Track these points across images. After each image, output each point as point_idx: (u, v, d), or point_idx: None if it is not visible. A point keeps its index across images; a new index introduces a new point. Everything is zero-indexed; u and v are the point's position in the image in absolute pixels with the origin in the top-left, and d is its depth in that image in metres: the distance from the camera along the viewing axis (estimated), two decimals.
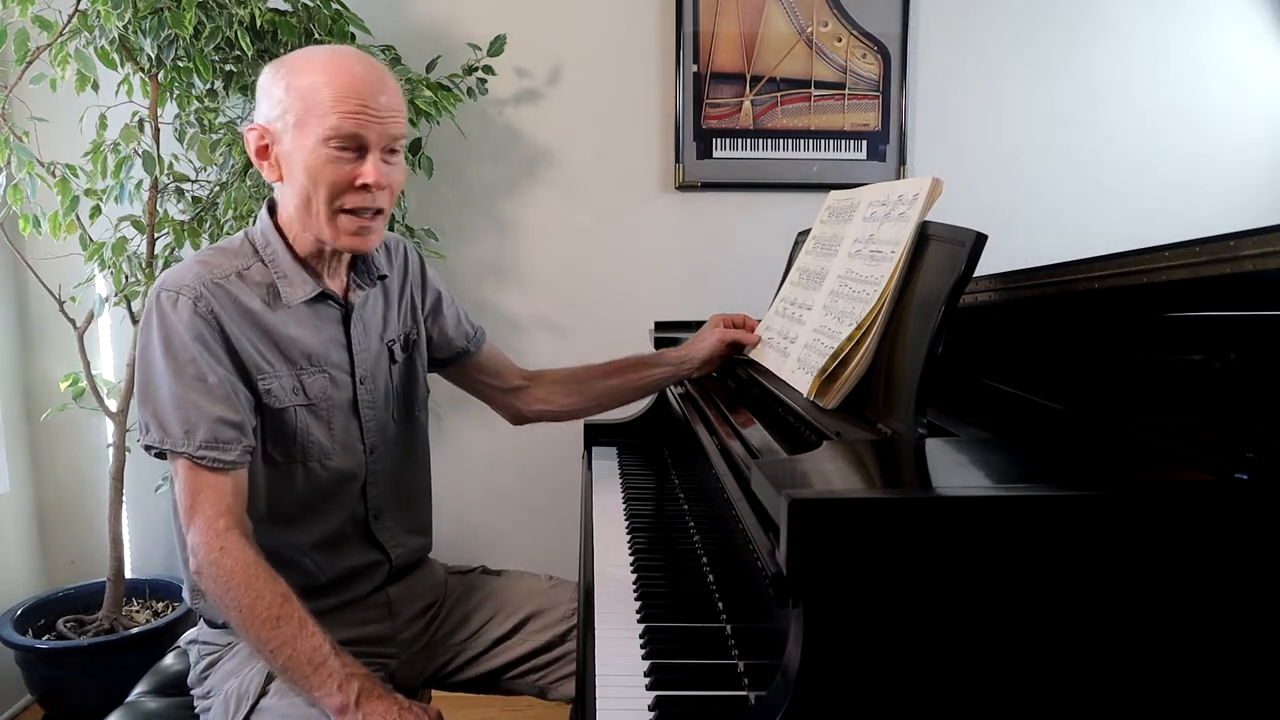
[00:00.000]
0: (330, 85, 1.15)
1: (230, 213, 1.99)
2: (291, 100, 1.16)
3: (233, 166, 2.04)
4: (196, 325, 1.15)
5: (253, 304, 1.20)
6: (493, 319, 2.45)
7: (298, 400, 1.23)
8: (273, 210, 1.27)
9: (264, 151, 1.20)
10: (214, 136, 2.05)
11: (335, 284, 1.28)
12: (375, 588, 1.33)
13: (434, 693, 1.52)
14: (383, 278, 1.34)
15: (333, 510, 1.28)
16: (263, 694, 1.17)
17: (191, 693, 1.30)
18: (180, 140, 2.07)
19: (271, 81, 1.19)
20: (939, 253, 1.07)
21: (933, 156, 2.49)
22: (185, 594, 1.30)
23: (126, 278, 2.06)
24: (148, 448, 1.17)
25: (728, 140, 2.45)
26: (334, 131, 1.14)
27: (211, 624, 1.28)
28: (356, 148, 1.16)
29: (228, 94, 2.07)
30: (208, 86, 2.04)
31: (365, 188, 1.17)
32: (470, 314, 1.54)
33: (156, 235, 2.09)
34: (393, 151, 1.20)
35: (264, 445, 1.22)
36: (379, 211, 1.21)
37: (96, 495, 2.42)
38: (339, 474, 1.28)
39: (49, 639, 2.14)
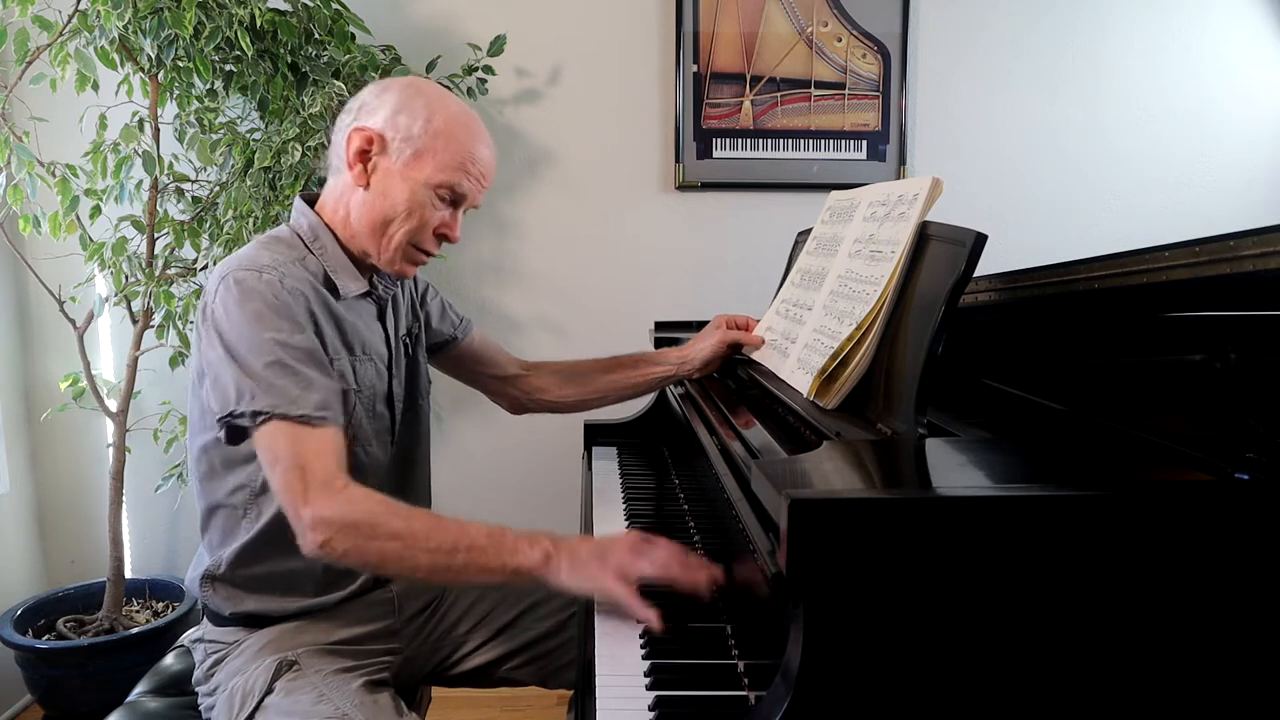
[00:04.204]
0: (463, 141, 1.23)
1: (230, 213, 1.99)
2: (420, 131, 1.21)
3: (233, 166, 2.04)
4: (286, 299, 1.15)
5: (320, 289, 1.23)
6: (493, 319, 2.45)
7: (354, 387, 1.26)
8: (310, 203, 1.29)
9: (364, 156, 1.23)
10: (214, 136, 2.05)
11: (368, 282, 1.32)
12: (375, 581, 1.33)
13: (435, 690, 1.52)
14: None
15: None
16: (268, 691, 1.18)
17: (196, 690, 1.31)
18: (180, 140, 2.08)
19: (403, 102, 1.22)
20: (939, 253, 1.07)
21: (933, 156, 2.49)
22: (193, 584, 1.28)
23: (126, 278, 2.06)
24: (253, 414, 1.10)
25: (728, 140, 2.45)
26: (448, 183, 1.22)
27: (217, 621, 1.28)
28: (452, 201, 1.25)
29: (228, 94, 2.07)
30: (208, 86, 2.04)
31: (444, 238, 1.27)
32: (470, 313, 1.58)
33: (156, 235, 2.09)
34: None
35: None
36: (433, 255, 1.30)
37: (96, 495, 2.42)
38: (373, 462, 1.30)
39: (49, 639, 2.14)
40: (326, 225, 1.27)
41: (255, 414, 1.10)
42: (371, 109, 1.23)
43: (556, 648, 1.42)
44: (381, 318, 1.33)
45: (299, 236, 1.26)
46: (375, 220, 1.23)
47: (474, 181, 1.25)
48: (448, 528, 1.09)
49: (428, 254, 1.27)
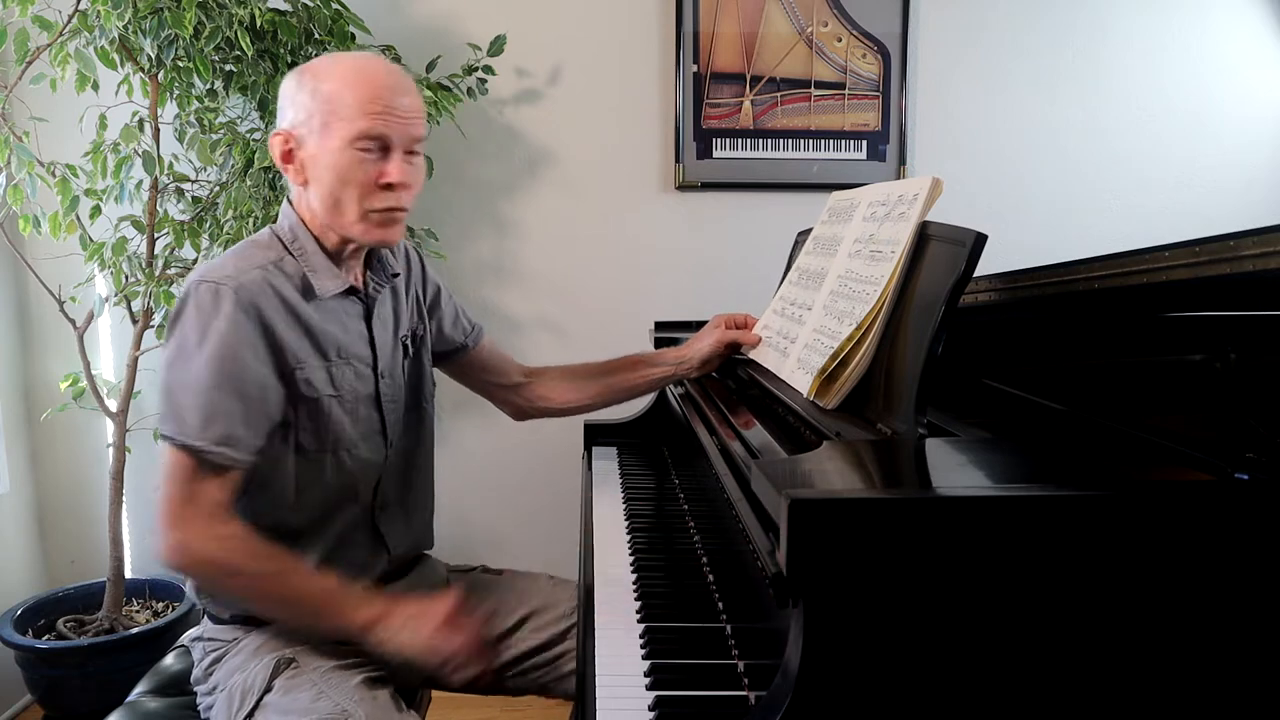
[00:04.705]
0: (355, 89, 1.19)
1: (230, 213, 1.99)
2: (317, 105, 1.19)
3: (233, 166, 2.04)
4: (237, 319, 1.15)
5: (290, 295, 1.22)
6: (493, 319, 2.45)
7: (329, 391, 1.25)
8: (291, 205, 1.29)
9: (289, 156, 1.23)
10: (214, 136, 2.05)
11: (355, 280, 1.30)
12: (374, 583, 1.33)
13: (435, 692, 1.52)
14: (395, 275, 1.37)
15: (352, 501, 1.30)
16: (267, 689, 1.18)
17: (196, 689, 1.31)
18: (180, 140, 2.08)
19: (296, 88, 1.22)
20: (939, 253, 1.07)
21: (933, 156, 2.49)
22: (189, 589, 1.30)
23: (126, 278, 2.06)
24: (162, 435, 1.15)
25: (728, 140, 2.45)
26: (360, 133, 1.18)
27: (216, 620, 1.29)
28: (381, 149, 1.20)
29: (228, 94, 2.07)
30: (208, 86, 2.04)
31: (390, 187, 1.21)
32: (470, 313, 1.56)
33: (156, 235, 2.09)
34: (412, 152, 1.24)
35: (297, 435, 1.23)
36: (404, 209, 1.25)
37: (96, 495, 2.42)
38: (363, 464, 1.29)
39: (49, 639, 2.14)
40: (304, 224, 1.27)
41: (163, 436, 1.15)
42: (282, 109, 1.24)
43: (554, 659, 1.40)
44: (367, 318, 1.31)
45: (279, 238, 1.26)
46: (327, 206, 1.23)
47: (385, 119, 1.19)
48: (291, 581, 1.17)
49: (389, 210, 1.23)
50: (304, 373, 1.22)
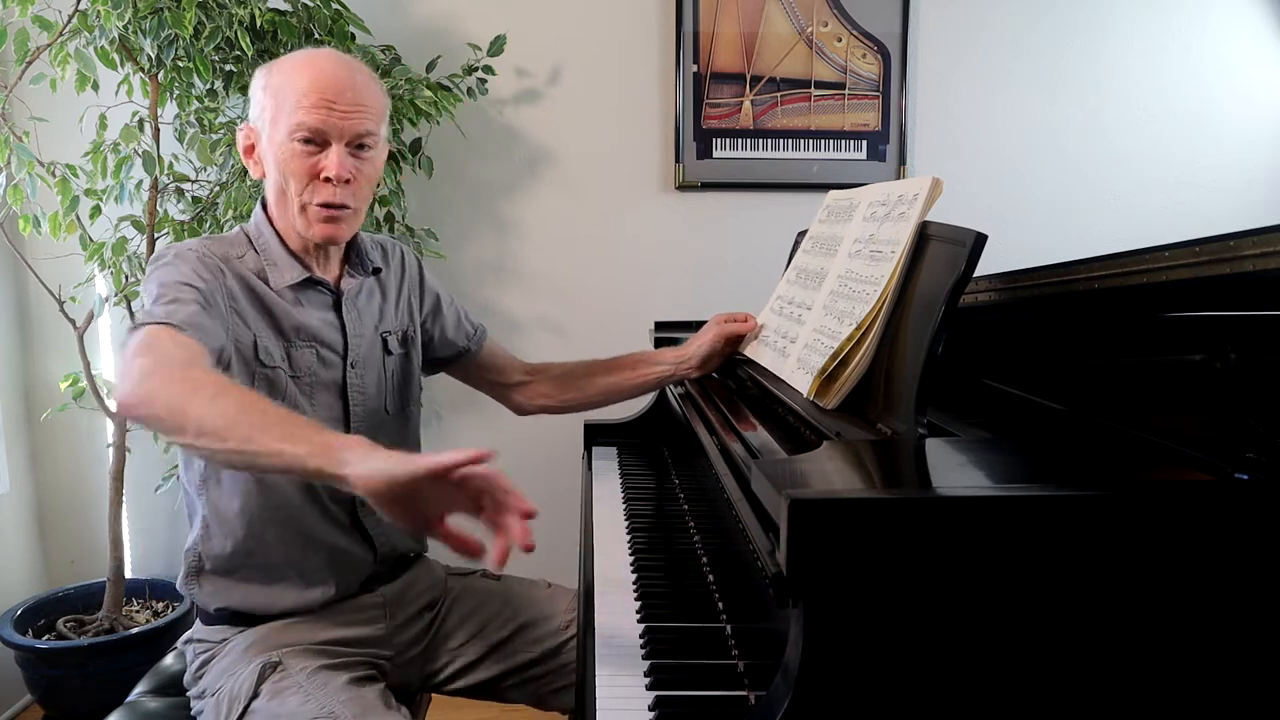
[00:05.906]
0: (297, 82, 1.20)
1: (230, 213, 1.99)
2: (267, 99, 1.23)
3: (232, 166, 2.04)
4: (200, 268, 1.18)
5: (249, 278, 1.24)
6: (493, 319, 2.45)
7: (285, 369, 1.25)
8: (264, 205, 1.31)
9: (250, 150, 1.27)
10: (214, 136, 2.05)
11: (327, 273, 1.31)
12: (365, 582, 1.32)
13: (434, 695, 1.52)
14: (377, 271, 1.37)
15: (318, 490, 1.27)
16: (254, 695, 1.17)
17: (188, 694, 1.30)
18: (180, 140, 2.08)
19: (256, 83, 1.26)
20: (939, 252, 1.07)
21: (933, 156, 2.49)
22: (179, 583, 1.29)
23: (126, 278, 2.06)
24: (133, 329, 1.11)
25: (728, 140, 2.45)
26: (298, 126, 1.20)
27: (206, 620, 1.29)
28: (321, 142, 1.21)
29: (228, 94, 2.07)
30: (208, 86, 2.04)
31: (328, 180, 1.22)
32: (472, 316, 1.56)
33: (156, 235, 2.09)
34: (362, 147, 1.24)
35: None
36: (348, 206, 1.25)
37: (96, 495, 2.42)
38: None
39: (49, 639, 2.14)
40: (270, 221, 1.29)
41: (134, 327, 1.10)
42: (250, 104, 1.27)
43: (549, 673, 1.39)
44: (337, 307, 1.31)
45: (246, 235, 1.29)
46: (277, 198, 1.26)
47: (316, 112, 1.19)
48: (260, 403, 0.99)
49: (329, 206, 1.23)
50: (262, 341, 1.23)
